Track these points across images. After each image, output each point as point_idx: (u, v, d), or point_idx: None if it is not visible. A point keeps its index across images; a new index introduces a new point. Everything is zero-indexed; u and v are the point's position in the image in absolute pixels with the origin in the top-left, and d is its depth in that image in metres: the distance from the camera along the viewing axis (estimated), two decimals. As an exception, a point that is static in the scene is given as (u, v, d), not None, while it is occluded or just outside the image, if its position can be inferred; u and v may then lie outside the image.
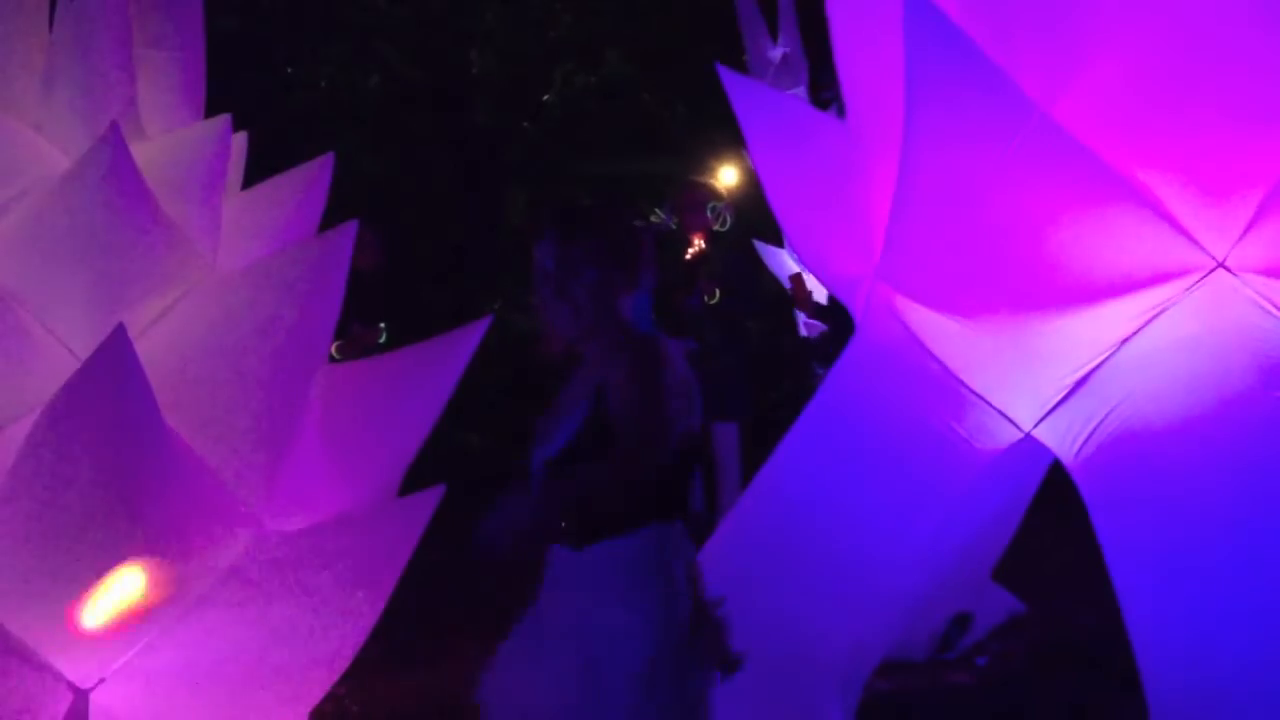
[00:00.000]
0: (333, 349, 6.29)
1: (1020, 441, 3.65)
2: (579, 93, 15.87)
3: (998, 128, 3.21)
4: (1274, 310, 3.28)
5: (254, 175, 4.34)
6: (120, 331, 3.18)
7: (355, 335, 6.44)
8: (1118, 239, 3.29)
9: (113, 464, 3.32)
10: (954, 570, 3.99)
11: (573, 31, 15.45)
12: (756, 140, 4.13)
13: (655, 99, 15.29)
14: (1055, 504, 4.28)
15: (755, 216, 6.99)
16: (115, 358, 3.21)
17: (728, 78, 4.17)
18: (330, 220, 4.09)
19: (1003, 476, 3.80)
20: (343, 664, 3.85)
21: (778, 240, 8.79)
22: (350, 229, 3.77)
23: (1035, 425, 3.56)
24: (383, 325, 6.73)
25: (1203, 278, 3.33)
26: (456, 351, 4.23)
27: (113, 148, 3.44)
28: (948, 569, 3.87)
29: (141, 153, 3.69)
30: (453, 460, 4.93)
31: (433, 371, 4.19)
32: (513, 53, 15.15)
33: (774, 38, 10.36)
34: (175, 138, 3.93)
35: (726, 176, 13.17)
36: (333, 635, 3.82)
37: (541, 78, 15.66)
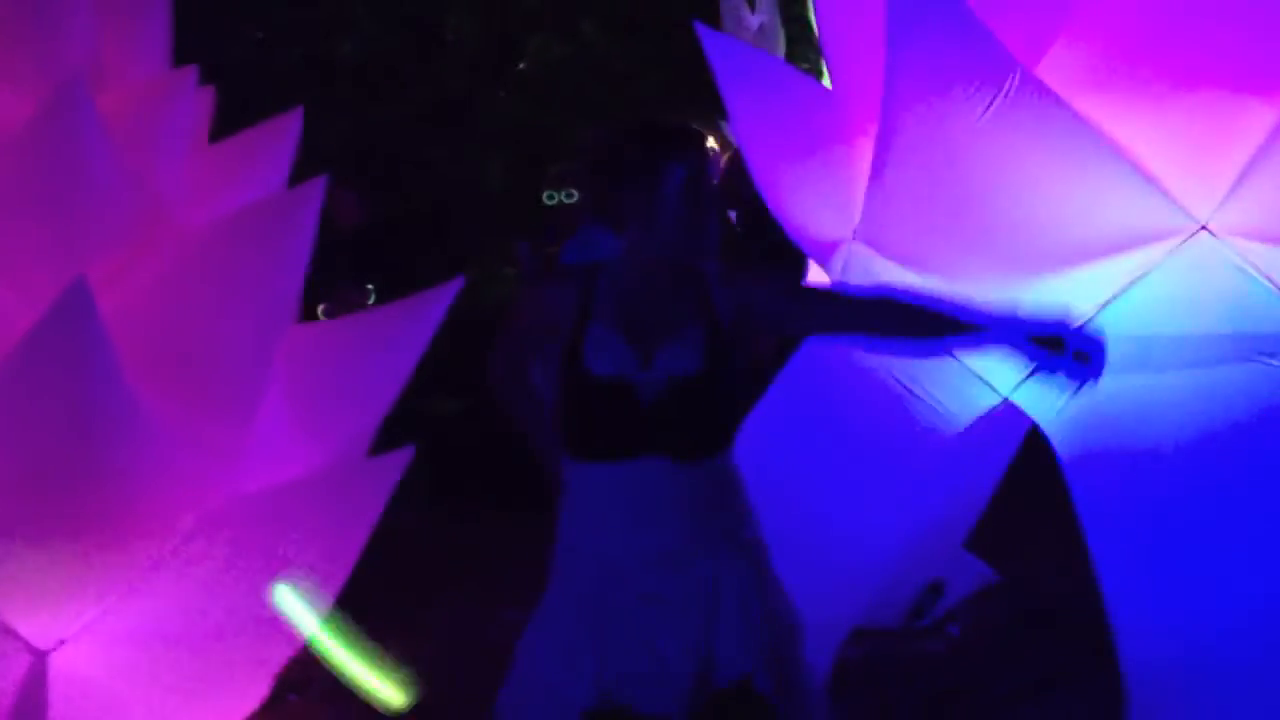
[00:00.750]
0: (320, 309, 6.21)
1: (997, 408, 3.61)
2: (554, 61, 15.75)
3: (978, 85, 3.15)
4: (1256, 274, 3.25)
5: (225, 135, 4.25)
6: (80, 284, 3.10)
7: (342, 295, 6.35)
8: (1099, 200, 3.25)
9: (71, 422, 3.25)
10: (927, 538, 3.96)
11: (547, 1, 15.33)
12: (734, 97, 4.05)
13: (629, 68, 15.18)
14: (1030, 471, 4.25)
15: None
16: (74, 311, 3.13)
17: (706, 35, 4.09)
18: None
19: (978, 442, 3.76)
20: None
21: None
22: (318, 185, 3.69)
23: (1014, 389, 3.51)
24: (370, 287, 6.64)
25: (1185, 240, 3.29)
26: (426, 313, 4.16)
27: (74, 97, 3.35)
28: (921, 537, 3.83)
29: (104, 103, 3.60)
30: (425, 425, 4.86)
31: (402, 333, 4.12)
32: (487, 20, 15.02)
33: (751, 7, 10.31)
34: (139, 89, 3.84)
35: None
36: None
37: (516, 45, 15.54)
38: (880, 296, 2.76)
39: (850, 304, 2.86)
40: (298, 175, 4.10)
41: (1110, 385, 3.29)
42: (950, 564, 4.75)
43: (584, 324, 2.61)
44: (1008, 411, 3.62)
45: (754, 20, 10.32)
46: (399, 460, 3.69)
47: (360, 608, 4.67)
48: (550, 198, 7.82)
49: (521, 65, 16.30)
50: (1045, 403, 3.43)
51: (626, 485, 2.58)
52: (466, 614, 4.98)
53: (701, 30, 4.09)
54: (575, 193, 7.96)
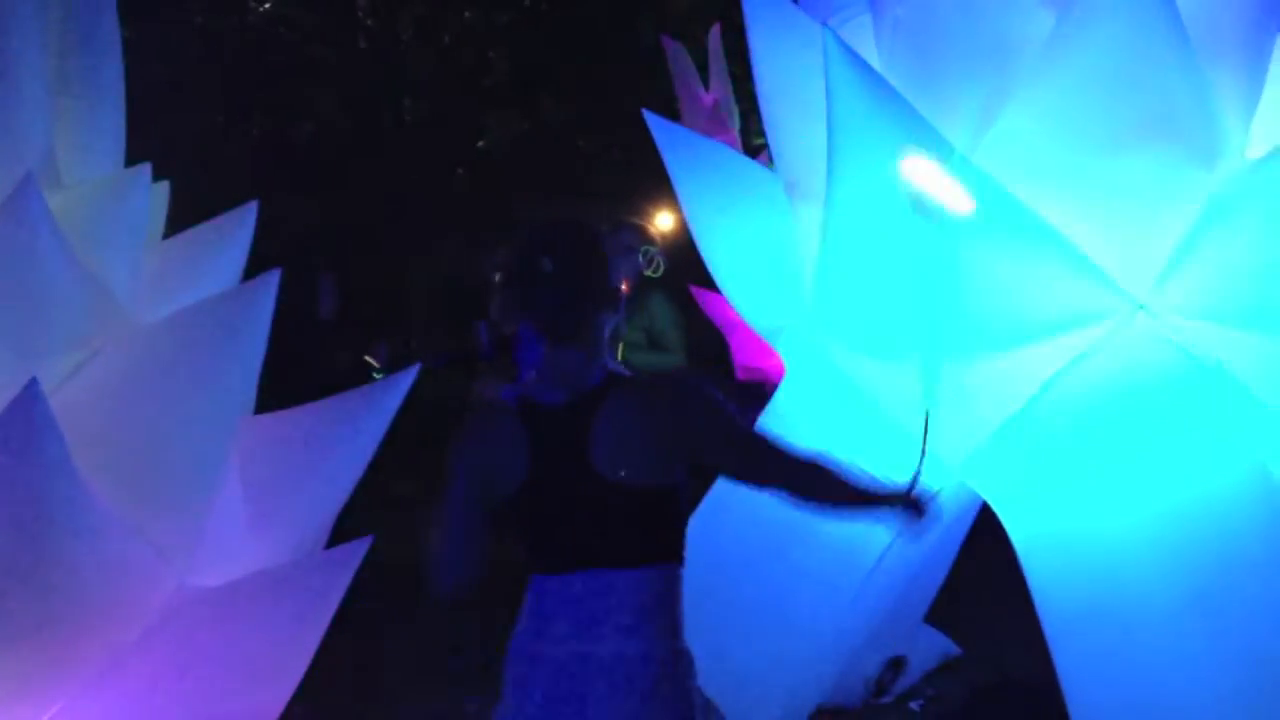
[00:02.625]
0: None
1: (948, 487, 3.65)
2: (514, 138, 15.92)
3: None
4: (1193, 353, 3.32)
5: (182, 225, 4.27)
6: (33, 385, 3.11)
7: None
8: (1038, 281, 3.32)
9: (25, 519, 3.23)
10: (887, 616, 3.98)
11: (507, 78, 15.52)
12: (685, 186, 4.13)
13: (590, 144, 15.35)
14: (987, 543, 4.29)
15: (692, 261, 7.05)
16: (28, 411, 3.12)
17: (655, 124, 4.17)
18: (260, 269, 4.02)
19: (934, 519, 3.78)
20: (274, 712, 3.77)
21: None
22: (272, 278, 3.72)
23: (963, 468, 3.56)
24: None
25: (1123, 320, 3.36)
26: (383, 401, 4.18)
27: (27, 199, 3.37)
28: (880, 615, 3.85)
29: (58, 201, 3.63)
30: (384, 509, 4.87)
31: (359, 422, 4.13)
32: (446, 100, 15.18)
33: (705, 85, 10.45)
34: (94, 186, 3.86)
35: (662, 221, 13.24)
36: (259, 691, 3.75)
37: (475, 124, 15.70)
38: (791, 455, 2.68)
39: (764, 457, 2.71)
40: (255, 259, 4.14)
41: (1055, 465, 3.38)
42: (910, 639, 4.78)
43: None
44: (962, 488, 3.67)
45: (708, 97, 10.46)
46: (357, 549, 3.68)
47: (324, 699, 4.65)
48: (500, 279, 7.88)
49: (481, 143, 16.47)
50: (992, 482, 3.48)
51: (579, 595, 2.53)
52: (432, 704, 4.95)
53: (650, 118, 4.17)
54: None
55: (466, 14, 15.21)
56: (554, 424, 2.53)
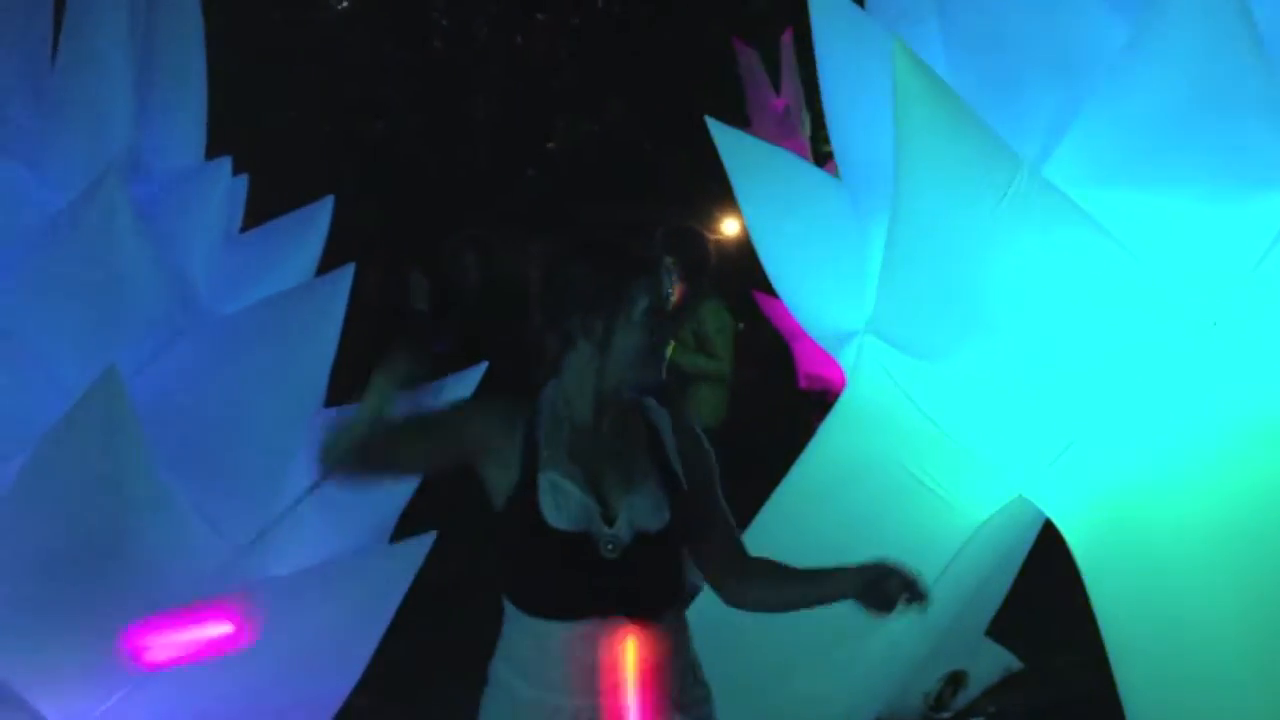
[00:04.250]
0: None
1: (1009, 500, 3.64)
2: (581, 140, 15.99)
3: (986, 183, 3.22)
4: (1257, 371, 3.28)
5: (258, 218, 4.35)
6: (113, 371, 3.19)
7: None
8: (1110, 298, 3.30)
9: (102, 506, 3.32)
10: (946, 630, 3.96)
11: (576, 79, 15.59)
12: (746, 193, 4.14)
13: (657, 147, 15.38)
14: (1054, 556, 4.26)
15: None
16: (107, 398, 3.21)
17: (718, 130, 4.18)
18: (333, 263, 4.08)
19: (995, 534, 3.78)
20: (329, 712, 3.83)
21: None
22: (346, 274, 3.78)
23: (1026, 486, 3.55)
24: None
25: (1194, 335, 3.33)
26: (453, 396, 4.22)
27: (110, 189, 3.46)
28: (939, 630, 3.83)
29: (140, 192, 3.72)
30: (446, 506, 4.91)
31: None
32: (516, 100, 15.28)
33: (775, 89, 10.44)
34: (175, 179, 3.94)
35: (728, 227, 13.23)
36: (322, 680, 3.81)
37: (544, 125, 15.79)
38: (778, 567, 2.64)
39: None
40: (330, 255, 4.20)
41: (1123, 485, 3.35)
42: (972, 653, 4.75)
43: (530, 465, 2.44)
44: (1024, 503, 3.65)
45: (778, 102, 10.44)
46: (421, 545, 3.74)
47: (387, 691, 4.70)
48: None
49: (550, 144, 16.56)
50: (1056, 500, 3.46)
51: (574, 646, 2.41)
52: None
53: (712, 124, 4.17)
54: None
55: (539, 15, 15.29)
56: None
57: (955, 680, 4.68)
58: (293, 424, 3.82)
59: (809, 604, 2.65)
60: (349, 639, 3.79)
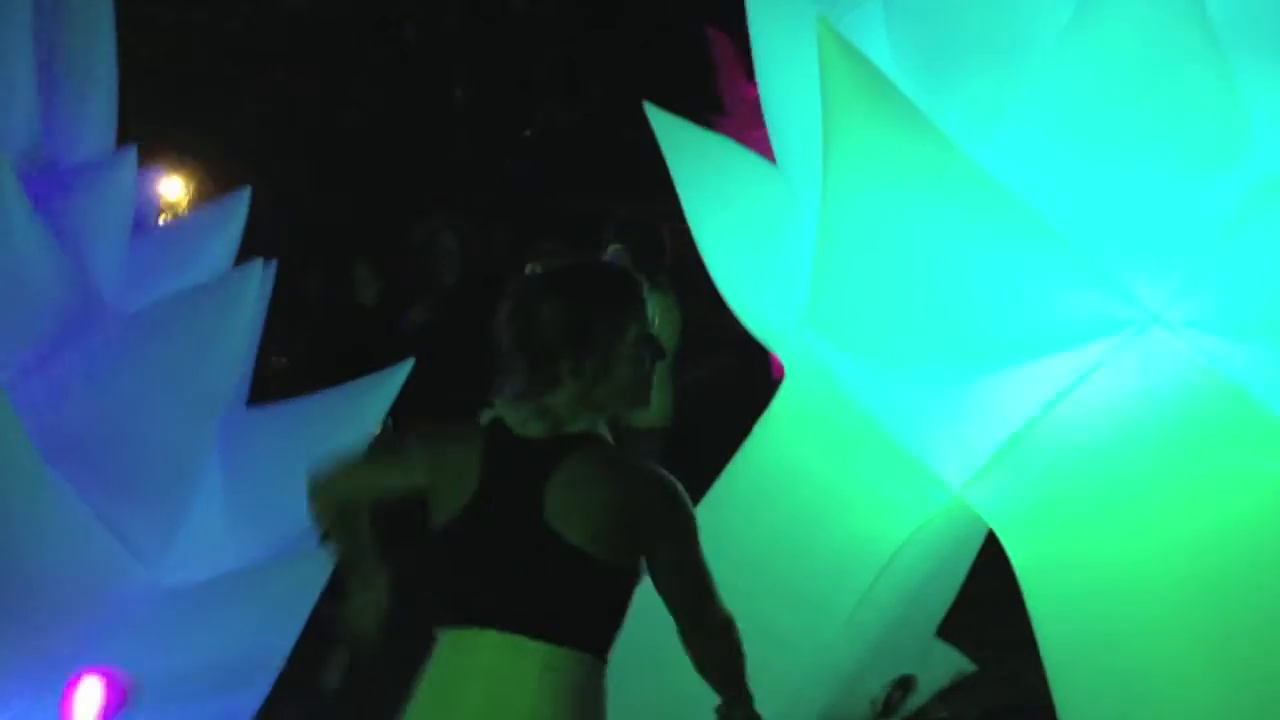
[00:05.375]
0: None
1: (951, 501, 3.48)
2: (561, 129, 15.80)
3: (918, 172, 3.05)
4: (1211, 368, 3.12)
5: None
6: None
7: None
8: (1048, 291, 3.13)
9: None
10: (886, 635, 3.80)
11: (555, 68, 15.40)
12: (683, 180, 3.97)
13: (640, 134, 15.16)
14: (1006, 556, 4.10)
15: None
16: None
17: (655, 116, 4.02)
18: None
19: (934, 537, 3.62)
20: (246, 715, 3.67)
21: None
22: (254, 268, 3.61)
23: (963, 488, 3.38)
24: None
25: (1137, 333, 3.16)
26: (375, 397, 4.07)
27: (1, 180, 3.29)
28: (875, 637, 3.68)
29: (40, 188, 3.55)
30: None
31: (348, 417, 4.02)
32: (494, 88, 15.10)
33: (751, 77, 10.25)
34: (77, 171, 3.77)
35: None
36: (231, 692, 3.65)
37: (523, 113, 15.59)
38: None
39: (706, 598, 2.38)
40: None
41: (1061, 485, 3.19)
42: (920, 656, 4.58)
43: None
44: (962, 504, 3.49)
45: (751, 90, 10.25)
46: (328, 558, 3.57)
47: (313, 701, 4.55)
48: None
49: (528, 132, 16.37)
50: (993, 501, 3.30)
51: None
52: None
53: (650, 109, 4.02)
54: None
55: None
56: (521, 457, 2.29)
57: (904, 684, 4.51)
58: (201, 427, 3.67)
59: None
60: (257, 650, 3.63)
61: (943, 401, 3.38)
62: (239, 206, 4.00)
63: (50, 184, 3.66)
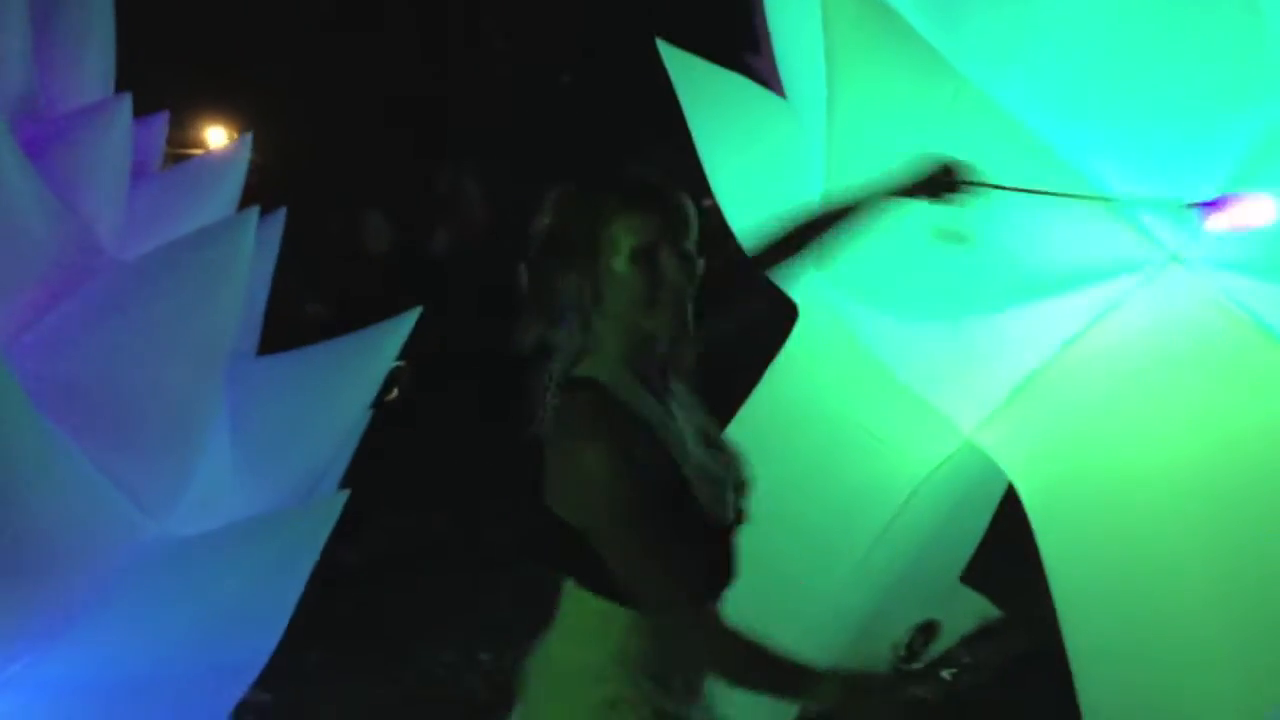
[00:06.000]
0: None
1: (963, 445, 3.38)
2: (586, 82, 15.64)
3: (926, 106, 2.93)
4: (1230, 306, 2.99)
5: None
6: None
7: None
8: (1063, 229, 3.01)
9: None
10: (903, 580, 3.72)
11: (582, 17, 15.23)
12: (697, 119, 3.86)
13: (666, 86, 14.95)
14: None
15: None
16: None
17: (668, 53, 3.92)
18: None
19: (945, 482, 3.52)
20: (251, 674, 3.64)
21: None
22: (251, 214, 3.54)
23: (977, 431, 3.28)
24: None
25: (1154, 272, 3.04)
26: (383, 346, 4.02)
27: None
28: (894, 580, 3.60)
29: (33, 134, 3.49)
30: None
31: (356, 367, 3.98)
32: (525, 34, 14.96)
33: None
34: (71, 118, 3.71)
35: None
36: (238, 644, 3.63)
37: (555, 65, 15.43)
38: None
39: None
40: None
41: (1074, 428, 3.09)
42: (946, 601, 4.51)
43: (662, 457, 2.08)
44: (975, 449, 3.39)
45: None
46: (335, 504, 3.52)
47: (338, 648, 4.56)
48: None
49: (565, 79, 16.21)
50: (1006, 445, 3.20)
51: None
52: (443, 655, 4.83)
53: (663, 47, 3.92)
54: None
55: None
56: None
57: (927, 630, 4.41)
58: (206, 376, 3.62)
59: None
60: (263, 601, 3.59)
61: (955, 344, 3.28)
62: (242, 152, 3.93)
63: (45, 131, 3.60)
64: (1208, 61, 2.96)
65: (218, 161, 3.99)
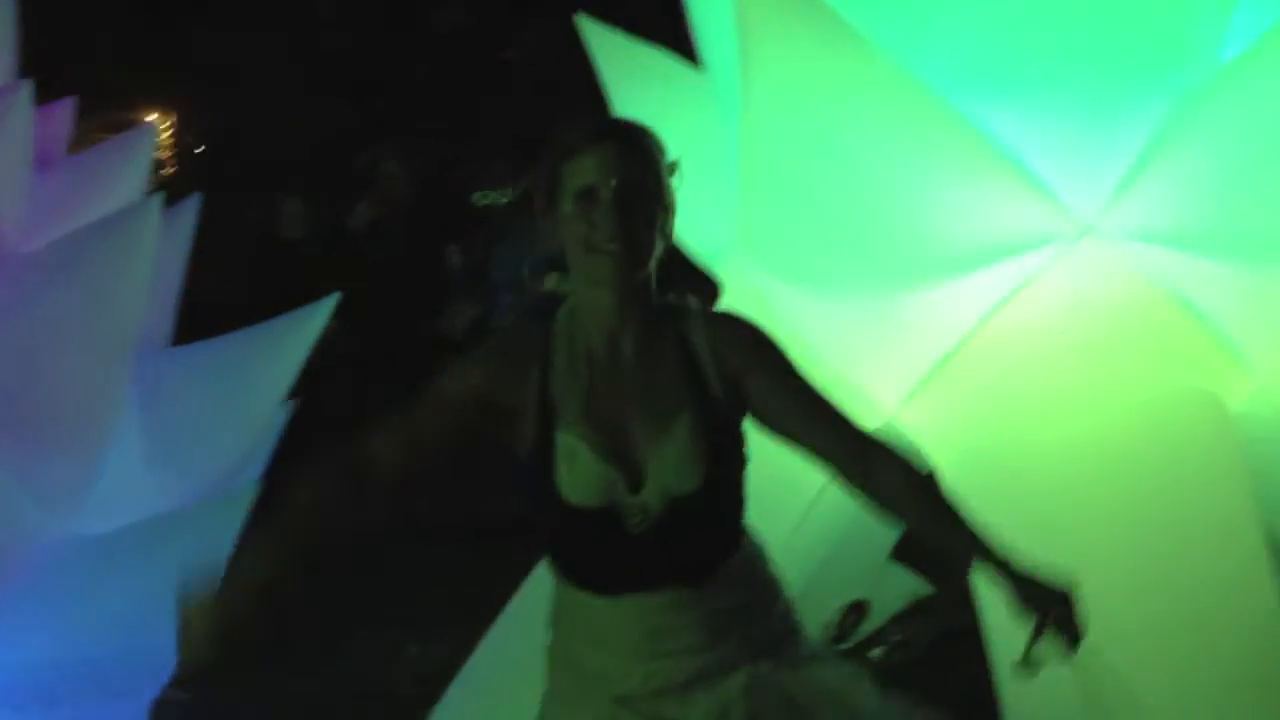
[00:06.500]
0: None
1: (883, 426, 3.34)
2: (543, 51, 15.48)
3: (842, 80, 2.88)
4: (1147, 278, 2.97)
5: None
6: None
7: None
8: (979, 202, 2.97)
9: None
10: (830, 563, 3.68)
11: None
12: (618, 95, 3.79)
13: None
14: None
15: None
16: None
17: (590, 29, 3.86)
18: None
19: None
20: (164, 674, 3.56)
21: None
22: (153, 203, 3.45)
23: (896, 407, 3.24)
24: None
25: (1069, 245, 3.01)
26: (298, 334, 3.94)
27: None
28: (819, 563, 3.55)
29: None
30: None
31: (271, 357, 3.90)
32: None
33: None
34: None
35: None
36: (150, 644, 3.54)
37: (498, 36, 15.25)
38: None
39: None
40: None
41: (994, 404, 3.06)
42: (875, 580, 4.48)
43: (545, 425, 2.08)
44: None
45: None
46: (244, 499, 3.45)
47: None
48: (483, 197, 7.50)
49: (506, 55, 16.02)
50: (928, 424, 3.16)
51: (625, 617, 2.11)
52: (373, 649, 4.74)
53: (584, 23, 3.86)
54: (510, 193, 7.67)
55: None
56: None
57: (857, 609, 4.41)
58: (110, 368, 3.53)
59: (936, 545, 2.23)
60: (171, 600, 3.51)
61: (876, 323, 3.23)
62: (145, 139, 3.84)
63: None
64: (1122, 31, 2.93)
65: (122, 148, 3.88)
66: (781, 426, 2.16)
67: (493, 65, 15.57)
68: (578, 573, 2.15)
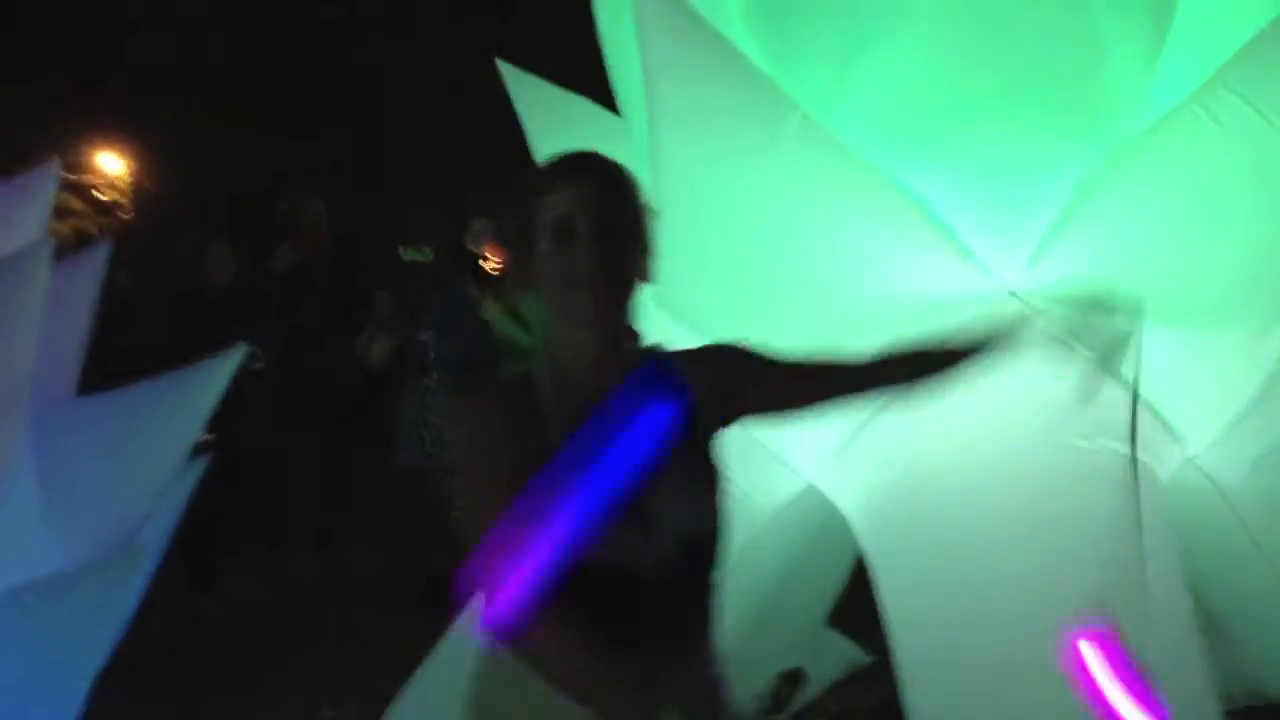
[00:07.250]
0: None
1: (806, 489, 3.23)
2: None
3: (753, 131, 2.78)
4: (1066, 340, 2.86)
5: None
6: None
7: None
8: (897, 260, 2.87)
9: None
10: (759, 628, 3.55)
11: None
12: (540, 141, 3.71)
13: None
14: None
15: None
16: None
17: (510, 75, 3.79)
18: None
19: (792, 526, 3.37)
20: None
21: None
22: (44, 247, 3.30)
23: (815, 474, 3.13)
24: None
25: (990, 305, 2.90)
26: (205, 387, 3.79)
27: None
28: (747, 629, 3.43)
29: None
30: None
31: (177, 407, 3.74)
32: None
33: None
34: None
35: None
36: (45, 702, 3.38)
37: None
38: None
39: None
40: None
41: (911, 468, 2.95)
42: (811, 648, 4.34)
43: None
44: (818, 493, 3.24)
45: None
46: (141, 554, 3.30)
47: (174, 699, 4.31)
48: (406, 254, 7.50)
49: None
50: (845, 488, 3.04)
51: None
52: (286, 708, 4.59)
53: (504, 68, 3.79)
54: (430, 252, 7.69)
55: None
56: None
57: (791, 678, 4.26)
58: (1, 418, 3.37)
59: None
60: (69, 660, 3.35)
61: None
62: (45, 181, 3.69)
63: None
64: (1043, 89, 2.86)
65: (18, 190, 3.73)
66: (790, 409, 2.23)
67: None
68: (590, 632, 1.91)
